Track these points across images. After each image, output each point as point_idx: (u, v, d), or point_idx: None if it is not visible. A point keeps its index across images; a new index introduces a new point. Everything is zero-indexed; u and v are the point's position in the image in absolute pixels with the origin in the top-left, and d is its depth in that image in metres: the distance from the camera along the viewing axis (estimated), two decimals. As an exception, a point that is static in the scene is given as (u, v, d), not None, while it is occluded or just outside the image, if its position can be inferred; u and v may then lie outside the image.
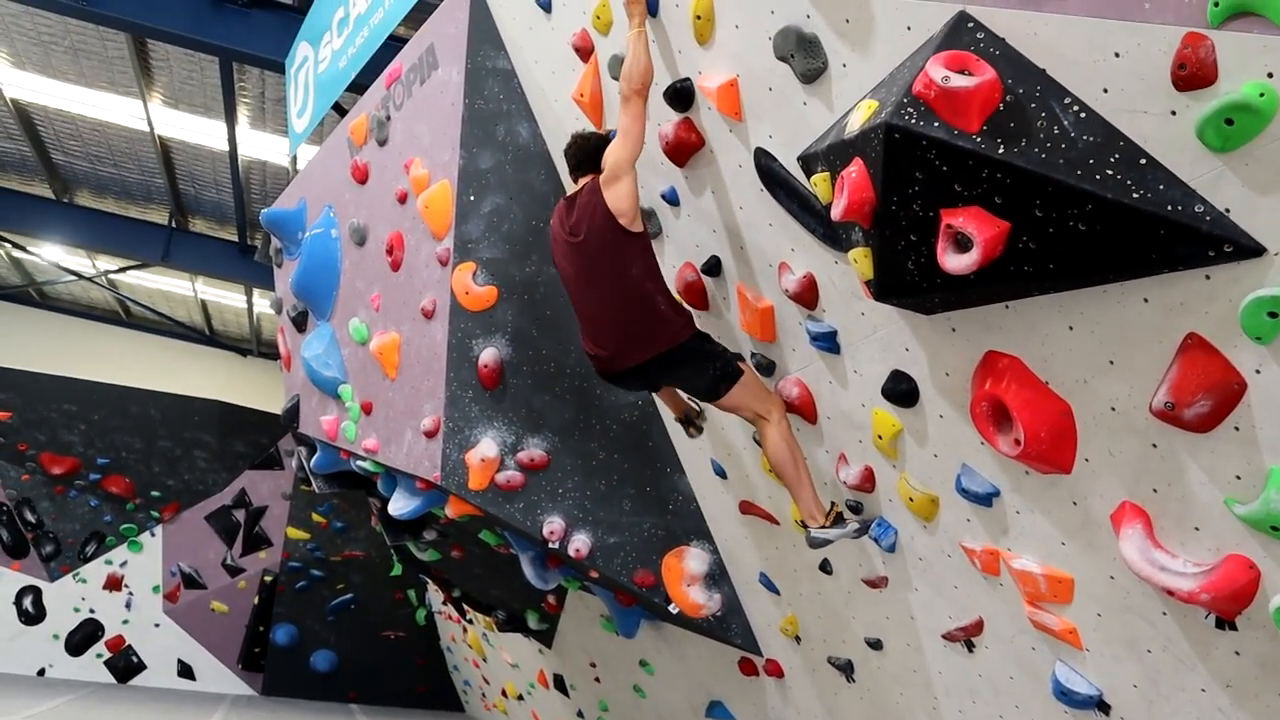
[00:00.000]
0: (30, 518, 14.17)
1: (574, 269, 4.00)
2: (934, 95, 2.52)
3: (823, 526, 3.82)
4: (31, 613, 13.95)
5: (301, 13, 8.52)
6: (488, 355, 4.97)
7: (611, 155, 3.84)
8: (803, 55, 3.20)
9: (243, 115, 11.30)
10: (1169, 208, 2.34)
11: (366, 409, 6.07)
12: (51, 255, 16.27)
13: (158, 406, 15.13)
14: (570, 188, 4.24)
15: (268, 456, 15.14)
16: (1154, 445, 2.70)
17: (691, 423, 4.56)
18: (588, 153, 4.05)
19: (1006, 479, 3.25)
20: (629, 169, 3.80)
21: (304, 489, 11.34)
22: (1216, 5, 2.16)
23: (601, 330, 3.99)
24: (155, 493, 14.63)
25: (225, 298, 17.87)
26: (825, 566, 4.46)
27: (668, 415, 5.07)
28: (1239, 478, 2.50)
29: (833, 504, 3.94)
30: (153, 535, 14.64)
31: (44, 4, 8.84)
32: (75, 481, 14.40)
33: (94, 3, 8.66)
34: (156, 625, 14.40)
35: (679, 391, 4.50)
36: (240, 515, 14.86)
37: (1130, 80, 2.37)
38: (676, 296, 4.02)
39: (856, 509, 4.03)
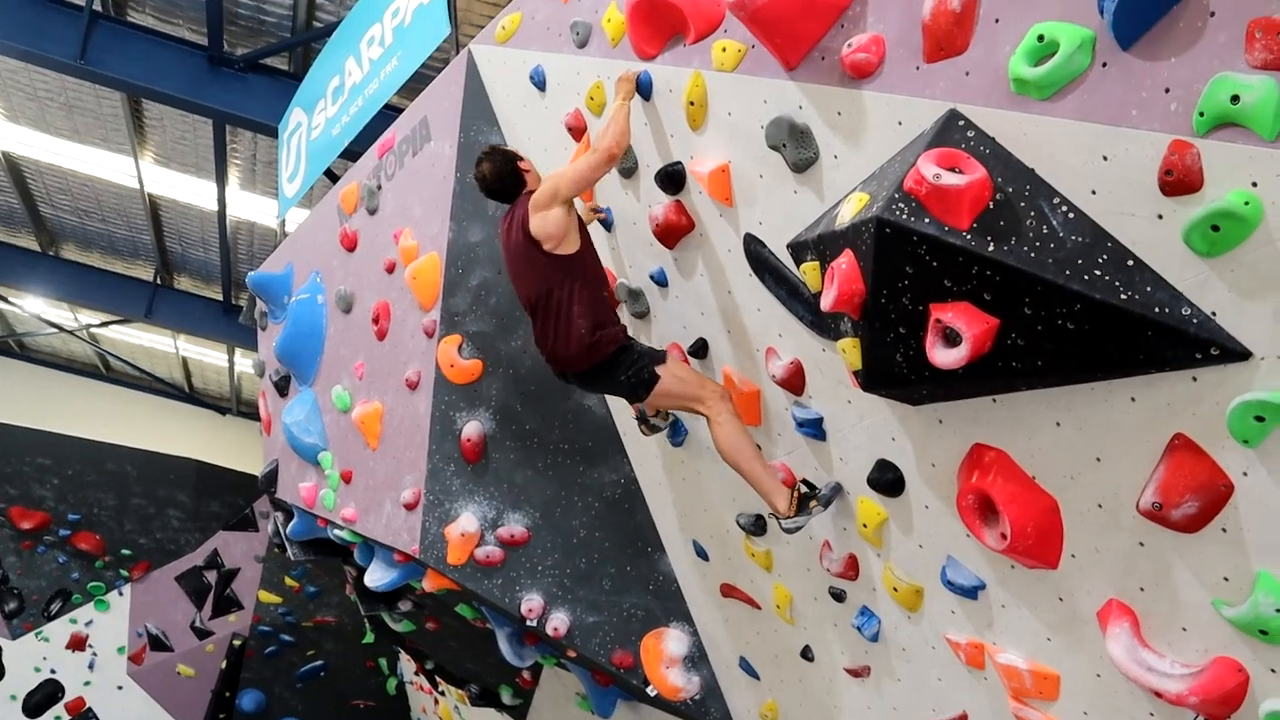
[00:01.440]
0: (-5, 573, 13.89)
1: (513, 274, 4.13)
2: (925, 191, 2.54)
3: (789, 515, 3.71)
4: (-11, 671, 13.60)
5: (297, 79, 8.62)
6: (471, 429, 4.94)
7: (550, 180, 3.89)
8: (794, 145, 3.23)
9: (233, 176, 11.38)
10: (1156, 309, 2.36)
11: (346, 478, 6.00)
12: (34, 307, 16.21)
13: (133, 463, 14.92)
14: None
15: (242, 518, 14.93)
16: (1141, 544, 2.68)
17: (646, 421, 4.42)
18: (508, 175, 4.14)
19: (992, 572, 3.22)
20: (563, 200, 3.84)
21: (278, 552, 11.17)
22: (1202, 115, 2.20)
23: (543, 338, 4.03)
24: (126, 551, 14.36)
25: (207, 356, 17.81)
26: (807, 653, 4.39)
27: (642, 464, 5.01)
28: (1227, 579, 2.48)
29: (794, 489, 3.78)
30: (120, 594, 14.32)
31: (43, 62, 8.90)
32: (44, 537, 14.13)
33: (93, 62, 8.74)
34: (119, 688, 14.02)
35: None
36: (211, 576, 14.58)
37: (1118, 183, 2.40)
38: (609, 315, 3.99)
39: (838, 596, 3.97)
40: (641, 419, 4.40)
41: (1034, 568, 3.00)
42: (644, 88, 3.93)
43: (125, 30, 9.01)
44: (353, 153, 7.07)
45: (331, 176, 8.48)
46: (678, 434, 4.57)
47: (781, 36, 3.12)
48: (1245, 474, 2.35)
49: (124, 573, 14.30)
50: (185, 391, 19.69)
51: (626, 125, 3.79)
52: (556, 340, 3.93)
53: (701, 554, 4.84)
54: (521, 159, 4.22)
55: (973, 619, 3.37)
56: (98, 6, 8.86)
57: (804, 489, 3.77)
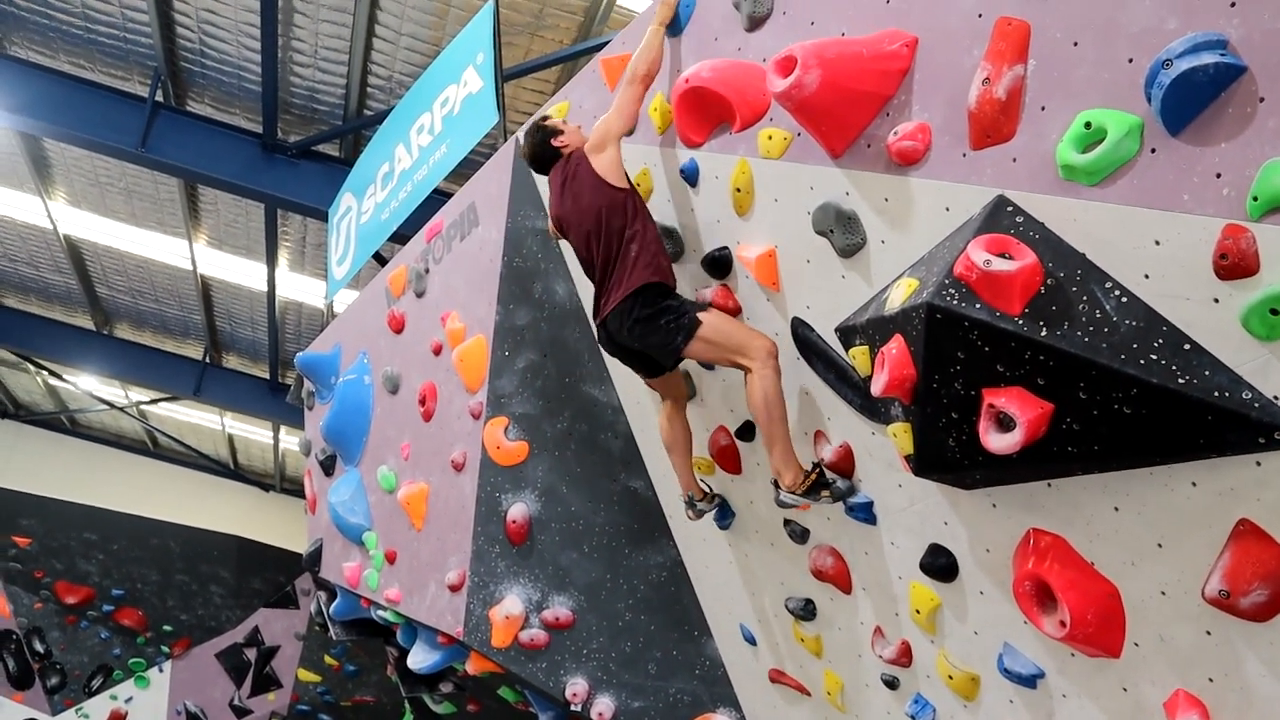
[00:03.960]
0: (39, 647, 13.94)
1: (575, 228, 4.11)
2: (975, 277, 2.55)
3: (793, 490, 3.61)
4: (30, 747, 13.58)
5: (348, 165, 8.84)
6: (516, 511, 4.94)
7: (600, 126, 4.05)
8: (841, 230, 3.26)
9: (283, 258, 11.64)
10: (1215, 394, 2.33)
11: (390, 558, 6.01)
12: (86, 384, 16.54)
13: (177, 539, 15.04)
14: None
15: (283, 595, 14.94)
16: (1208, 633, 2.61)
17: (693, 505, 4.34)
18: (544, 151, 4.29)
19: (1051, 660, 3.14)
20: (615, 140, 4.00)
21: (318, 630, 11.16)
22: (1256, 200, 2.20)
23: (601, 283, 4.01)
24: (167, 627, 14.40)
25: (252, 433, 18.01)
26: (859, 742, 4.28)
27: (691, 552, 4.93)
28: (1300, 672, 2.41)
29: (815, 465, 3.69)
30: (160, 671, 14.31)
31: (107, 150, 9.23)
32: (88, 612, 14.21)
33: (153, 150, 9.04)
34: (158, 765, 13.96)
35: (686, 461, 4.35)
36: (251, 654, 14.55)
37: (1171, 267, 2.39)
38: (661, 259, 3.94)
39: (891, 683, 3.88)
40: (690, 503, 4.36)
41: (1095, 656, 2.92)
42: (690, 175, 4.00)
43: (184, 119, 9.32)
44: (401, 236, 7.20)
45: (380, 260, 8.64)
46: (725, 517, 4.54)
47: (827, 125, 3.17)
48: (1316, 561, 2.30)
49: (165, 649, 14.33)
50: (230, 468, 19.88)
51: (660, 48, 4.01)
52: (611, 268, 3.91)
53: (749, 638, 4.76)
54: (560, 131, 4.32)
55: (1032, 709, 3.28)
56: (159, 97, 9.20)
57: (821, 475, 3.66)
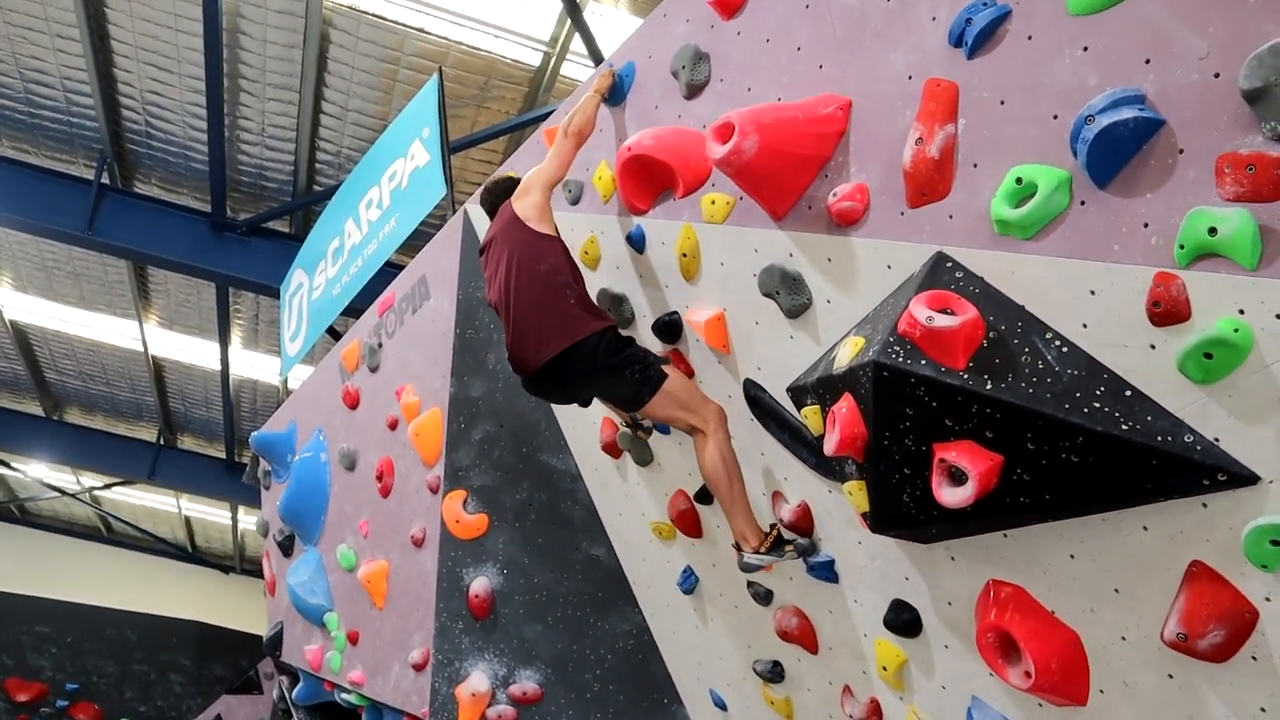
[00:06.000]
0: (-14, 749, 13.51)
1: (496, 279, 4.03)
2: (919, 334, 2.58)
3: (757, 551, 3.55)
4: None
5: (298, 241, 8.83)
6: (478, 585, 4.88)
7: (529, 175, 4.08)
8: (787, 291, 3.30)
9: (236, 336, 11.55)
10: (1159, 438, 2.36)
11: (353, 639, 5.89)
12: (36, 472, 16.19)
13: (134, 627, 14.69)
14: None
15: (246, 680, 14.59)
16: (1170, 675, 2.61)
17: (639, 425, 4.26)
18: (500, 195, 4.27)
19: (1020, 712, 3.13)
20: (542, 189, 3.99)
21: (283, 716, 10.86)
22: (1182, 247, 2.25)
23: (520, 330, 3.87)
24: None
25: (210, 514, 17.69)
26: (835, 804, 4.22)
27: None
28: (1264, 710, 2.41)
29: (773, 526, 3.65)
30: (119, 768, 13.89)
31: (53, 234, 9.15)
32: (41, 709, 13.80)
33: (101, 233, 8.98)
34: None
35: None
36: (215, 743, 14.17)
37: (1108, 316, 2.44)
38: (595, 302, 3.94)
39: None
40: (634, 424, 4.26)
41: (1063, 705, 2.91)
42: (637, 241, 4.03)
43: (131, 200, 9.29)
44: (354, 310, 7.19)
45: (334, 334, 8.60)
46: (687, 581, 4.50)
47: (768, 188, 3.21)
48: (1268, 599, 2.31)
49: (124, 744, 13.90)
50: (188, 551, 19.46)
51: (593, 113, 4.06)
52: (542, 311, 3.77)
53: (720, 703, 4.70)
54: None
55: (1004, 762, 3.25)
56: (105, 179, 9.16)
57: (779, 533, 3.64)
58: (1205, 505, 2.38)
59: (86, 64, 8.30)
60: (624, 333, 4.06)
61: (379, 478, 5.70)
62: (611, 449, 4.62)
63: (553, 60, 7.98)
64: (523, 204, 3.99)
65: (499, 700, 4.80)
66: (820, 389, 2.99)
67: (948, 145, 2.77)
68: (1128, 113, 2.32)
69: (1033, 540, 2.81)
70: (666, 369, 3.75)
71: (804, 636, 3.91)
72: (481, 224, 5.31)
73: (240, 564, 19.48)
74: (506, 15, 7.75)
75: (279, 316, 8.79)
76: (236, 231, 9.27)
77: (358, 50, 8.07)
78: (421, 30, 7.84)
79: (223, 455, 14.52)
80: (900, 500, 2.81)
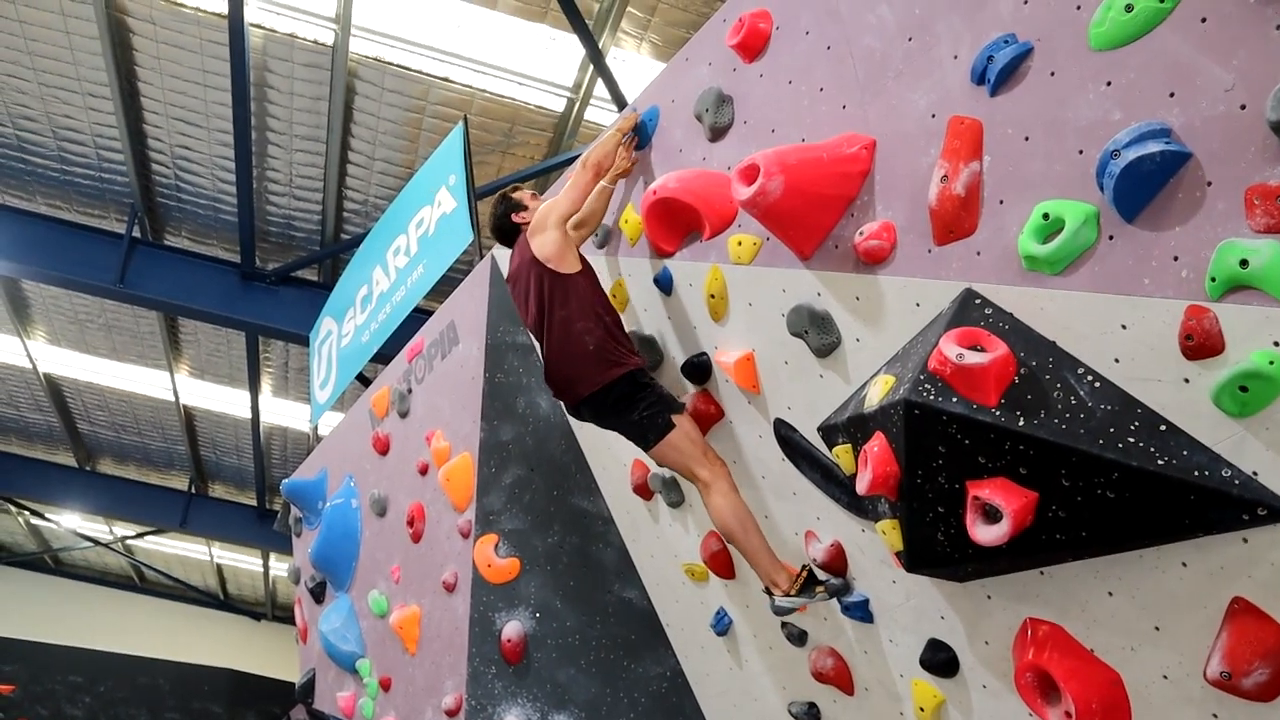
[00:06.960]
0: (24, 801, 13.51)
1: (528, 308, 4.10)
2: (950, 371, 2.57)
3: (788, 594, 3.52)
4: None
5: (327, 289, 8.94)
6: (511, 629, 4.85)
7: (544, 208, 4.06)
8: (816, 331, 3.30)
9: (266, 384, 11.65)
10: (1195, 473, 2.33)
11: (385, 685, 5.87)
12: (69, 522, 16.33)
13: (167, 676, 14.74)
14: None
15: (278, 728, 14.55)
16: (1214, 716, 2.57)
17: (808, 589, 4.01)
18: (505, 224, 4.33)
19: (1062, 753, 3.07)
20: (557, 224, 3.96)
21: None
22: (1214, 280, 2.24)
23: (551, 365, 4.00)
24: (158, 771, 13.97)
25: (241, 562, 17.75)
26: None
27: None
28: (1311, 751, 2.36)
29: (804, 567, 3.60)
30: (152, 819, 13.84)
31: (85, 288, 9.31)
32: (75, 760, 13.80)
33: (131, 285, 9.13)
34: None
35: None
36: (247, 793, 14.10)
37: (1140, 350, 2.42)
38: (618, 338, 3.92)
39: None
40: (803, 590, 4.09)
41: (1105, 746, 2.86)
42: (664, 283, 4.05)
43: (162, 253, 9.45)
44: (383, 357, 7.24)
45: (363, 381, 8.66)
46: (721, 622, 4.47)
47: (794, 228, 3.23)
48: (1314, 636, 2.28)
49: (156, 795, 13.87)
50: (220, 599, 19.51)
51: (613, 148, 4.09)
52: (564, 357, 3.89)
53: (755, 747, 4.65)
54: (523, 207, 4.33)
55: (1047, 805, 3.19)
56: (136, 233, 9.32)
57: (811, 573, 3.61)
58: (1245, 540, 2.35)
59: (117, 120, 8.49)
60: (654, 373, 4.08)
61: (410, 523, 5.71)
62: (643, 491, 4.62)
63: (576, 105, 8.08)
64: (539, 242, 4.01)
65: (533, 746, 4.77)
66: (851, 428, 2.98)
67: (973, 182, 2.78)
68: (1154, 146, 2.32)
69: (1070, 578, 2.77)
70: (676, 418, 3.80)
71: (839, 677, 3.87)
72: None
73: (272, 611, 19.49)
74: (530, 62, 7.87)
75: (308, 364, 8.87)
76: (265, 281, 9.39)
77: (383, 100, 8.21)
78: (446, 79, 7.98)
79: (254, 503, 14.60)
80: (935, 539, 2.79)
